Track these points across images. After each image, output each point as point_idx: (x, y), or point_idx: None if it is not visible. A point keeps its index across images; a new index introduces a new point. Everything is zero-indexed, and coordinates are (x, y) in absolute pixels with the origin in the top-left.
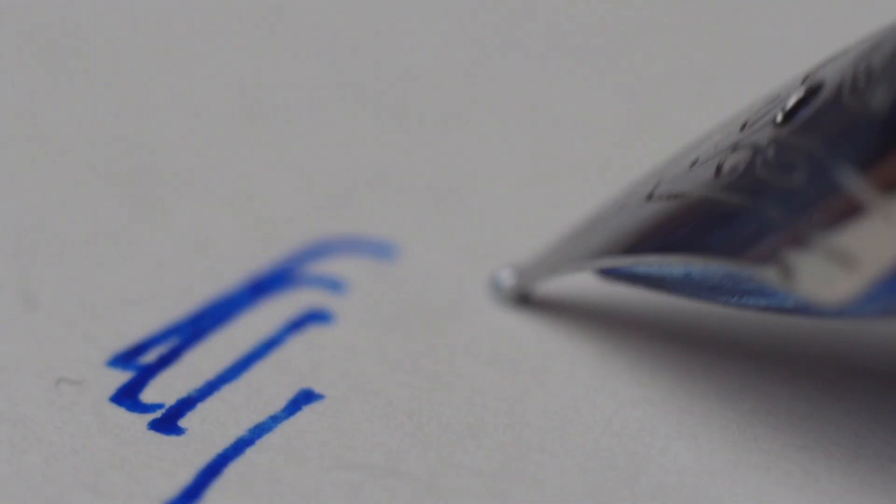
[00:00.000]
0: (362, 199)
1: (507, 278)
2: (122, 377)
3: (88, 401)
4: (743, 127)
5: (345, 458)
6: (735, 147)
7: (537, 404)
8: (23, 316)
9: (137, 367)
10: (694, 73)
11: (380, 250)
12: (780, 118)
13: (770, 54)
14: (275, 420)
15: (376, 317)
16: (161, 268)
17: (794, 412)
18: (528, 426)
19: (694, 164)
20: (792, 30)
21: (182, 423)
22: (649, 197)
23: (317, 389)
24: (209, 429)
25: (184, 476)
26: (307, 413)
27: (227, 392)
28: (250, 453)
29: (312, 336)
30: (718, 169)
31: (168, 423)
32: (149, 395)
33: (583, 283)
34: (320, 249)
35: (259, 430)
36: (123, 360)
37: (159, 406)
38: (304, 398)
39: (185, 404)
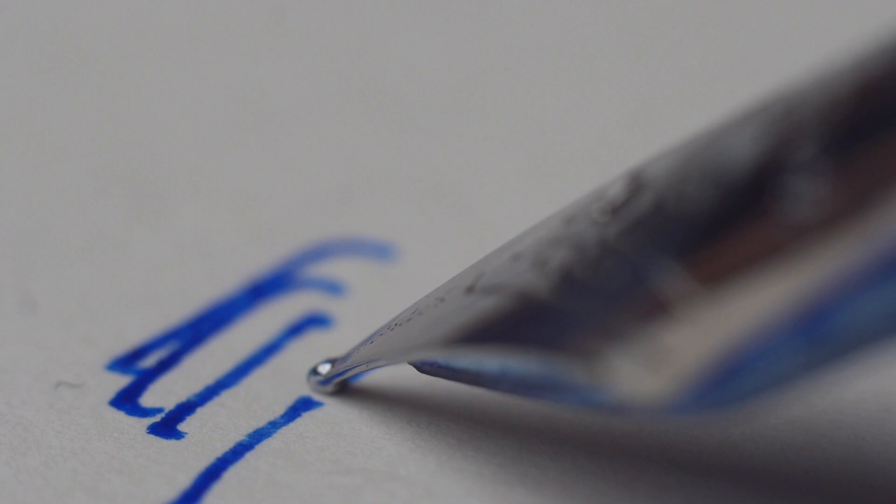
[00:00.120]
0: (360, 201)
1: (323, 369)
2: (121, 381)
3: (88, 404)
4: (567, 222)
5: (344, 463)
6: (557, 242)
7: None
8: (22, 319)
9: (137, 371)
10: (693, 72)
11: (378, 252)
12: (602, 216)
13: (770, 53)
14: (274, 426)
15: (375, 319)
16: (160, 271)
17: (792, 411)
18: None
19: (516, 257)
20: (791, 28)
21: (181, 427)
22: (469, 290)
23: (315, 396)
24: (208, 433)
25: (183, 480)
26: (306, 419)
27: (226, 397)
28: (250, 458)
29: (312, 340)
30: (538, 264)
31: (167, 427)
32: (148, 399)
33: None
34: (319, 252)
35: (258, 435)
36: (123, 363)
37: (159, 410)
38: (304, 405)
39: (185, 408)
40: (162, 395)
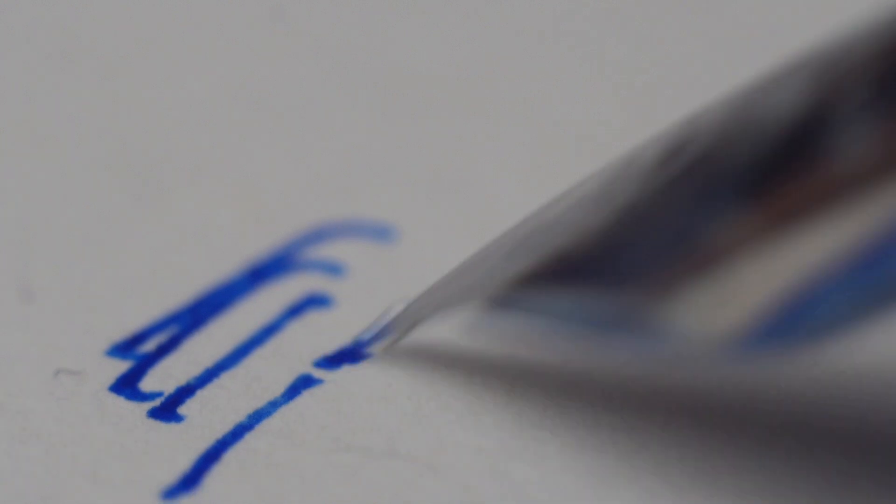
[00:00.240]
0: (360, 182)
1: (395, 313)
2: (121, 366)
3: (87, 391)
4: (628, 165)
5: (344, 441)
6: (619, 184)
7: (536, 381)
8: (21, 306)
9: (137, 356)
10: (693, 56)
11: (378, 233)
12: (658, 163)
13: (770, 33)
14: (274, 405)
15: (375, 300)
16: (158, 256)
17: (794, 387)
18: (527, 403)
19: (579, 199)
20: (793, 8)
21: (181, 410)
22: (536, 230)
23: (316, 374)
24: (208, 415)
25: (183, 463)
26: (306, 397)
27: (226, 378)
28: (249, 438)
29: (312, 320)
30: (603, 204)
31: (167, 410)
32: (148, 383)
33: None
34: (318, 234)
35: (258, 416)
36: (122, 349)
37: (158, 394)
38: (304, 383)
39: (185, 392)
40: (162, 379)
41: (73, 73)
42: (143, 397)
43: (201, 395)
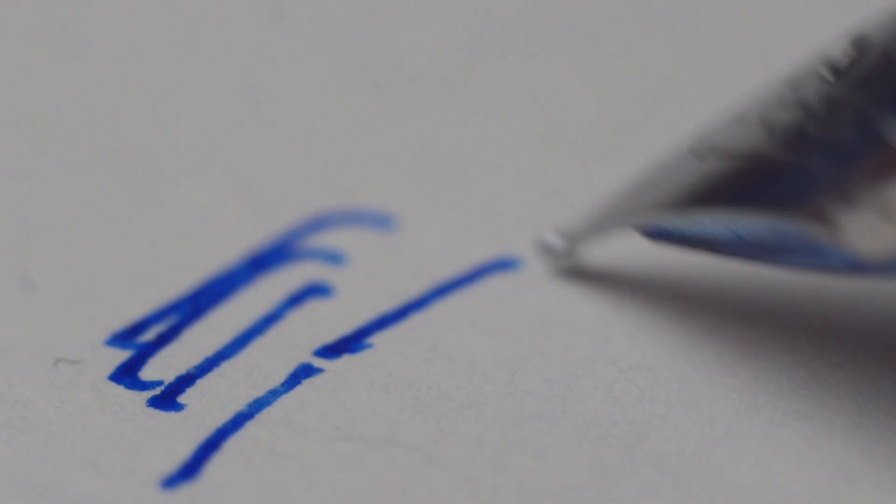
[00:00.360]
0: (360, 171)
1: (555, 240)
2: (120, 356)
3: (87, 380)
4: (790, 85)
5: (344, 430)
6: (783, 104)
7: (537, 372)
8: (21, 296)
9: (136, 345)
10: (700, 48)
11: (378, 222)
12: (829, 75)
13: (779, 28)
14: (274, 394)
15: (375, 288)
16: (159, 245)
17: (796, 380)
18: (527, 394)
19: (741, 121)
20: (799, 10)
21: (181, 399)
22: (696, 155)
23: (316, 363)
24: (208, 404)
25: (183, 451)
26: (306, 386)
27: (226, 367)
28: (249, 427)
29: (312, 309)
30: (766, 126)
31: (167, 399)
32: (148, 372)
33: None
34: (319, 222)
35: (258, 405)
36: (122, 338)
37: (158, 383)
38: (304, 372)
39: (185, 380)
40: (161, 368)
41: (76, 65)
42: (143, 386)
43: (201, 384)
